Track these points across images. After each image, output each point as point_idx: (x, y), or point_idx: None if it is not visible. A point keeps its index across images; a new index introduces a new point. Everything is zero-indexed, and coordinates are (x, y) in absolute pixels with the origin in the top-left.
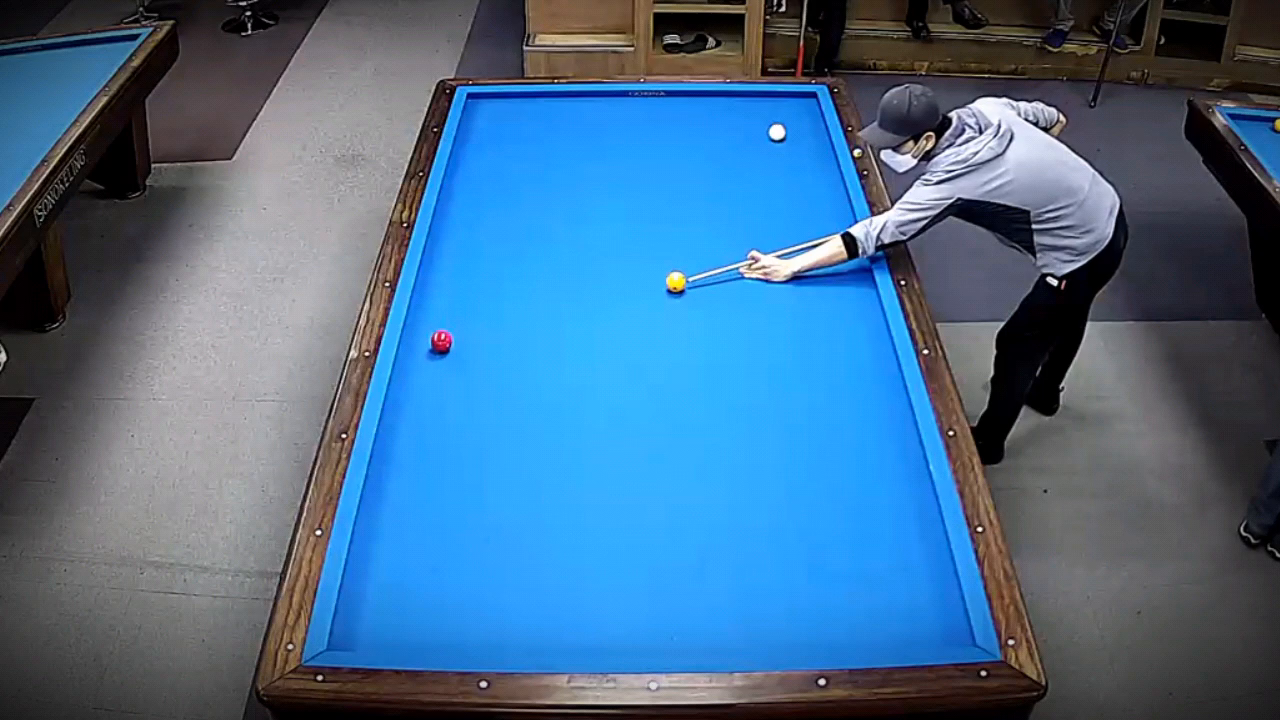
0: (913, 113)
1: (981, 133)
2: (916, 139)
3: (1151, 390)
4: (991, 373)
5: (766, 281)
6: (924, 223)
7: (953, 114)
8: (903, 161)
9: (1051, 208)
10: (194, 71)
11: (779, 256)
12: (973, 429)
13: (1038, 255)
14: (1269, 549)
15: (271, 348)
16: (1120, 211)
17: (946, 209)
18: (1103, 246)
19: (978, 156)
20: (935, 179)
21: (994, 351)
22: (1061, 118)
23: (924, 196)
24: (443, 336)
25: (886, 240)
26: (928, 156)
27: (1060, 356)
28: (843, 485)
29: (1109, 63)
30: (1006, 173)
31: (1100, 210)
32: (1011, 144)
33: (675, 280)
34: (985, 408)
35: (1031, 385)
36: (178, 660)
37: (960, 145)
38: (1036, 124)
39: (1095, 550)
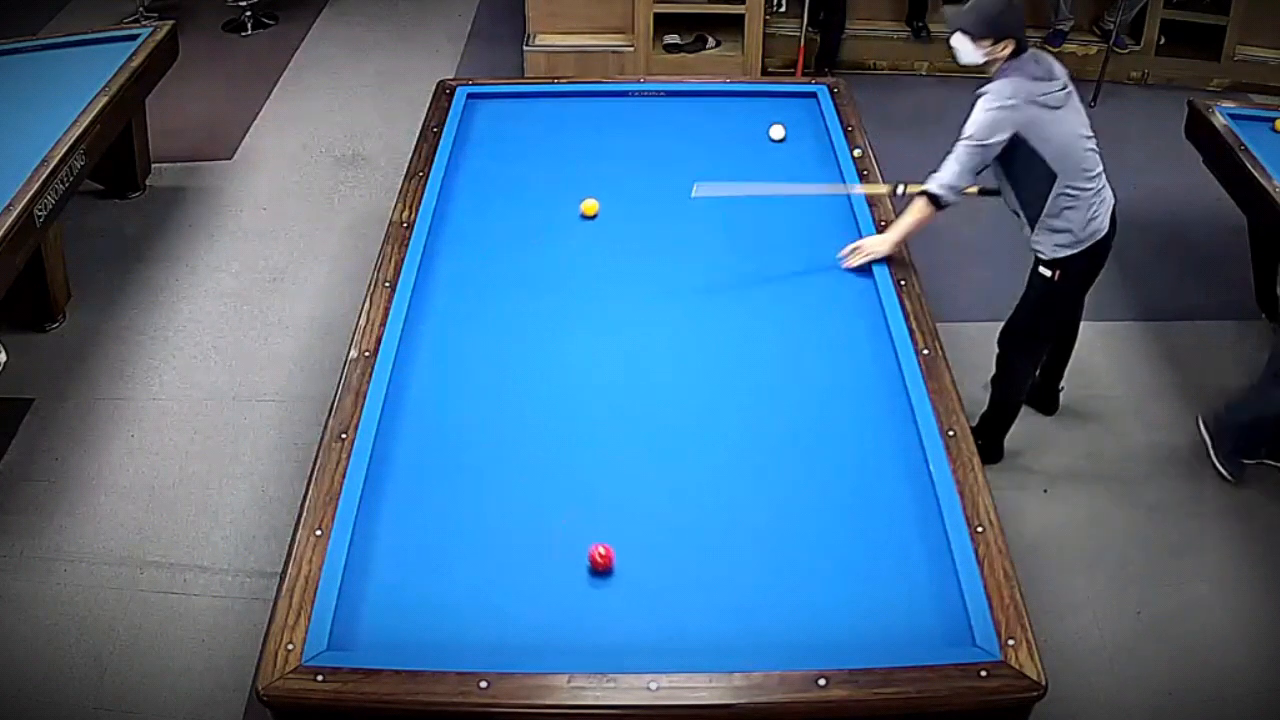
0: (1004, 16)
1: (1050, 80)
2: (996, 41)
3: (1151, 390)
4: (992, 372)
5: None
6: (985, 151)
7: (1027, 47)
8: (969, 52)
9: (1074, 184)
10: (194, 71)
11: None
12: (973, 429)
13: (1035, 230)
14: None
15: (271, 348)
16: (1114, 210)
17: (1004, 139)
18: (1098, 239)
19: (1045, 98)
20: (996, 104)
21: (994, 351)
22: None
23: (985, 122)
24: (602, 554)
25: (962, 183)
26: (983, 72)
27: (1057, 355)
28: (843, 485)
29: (1109, 63)
30: (1058, 127)
31: (1105, 205)
32: (1068, 105)
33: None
34: (985, 408)
35: (1031, 385)
36: (178, 660)
37: (1030, 80)
38: None
39: (1095, 550)
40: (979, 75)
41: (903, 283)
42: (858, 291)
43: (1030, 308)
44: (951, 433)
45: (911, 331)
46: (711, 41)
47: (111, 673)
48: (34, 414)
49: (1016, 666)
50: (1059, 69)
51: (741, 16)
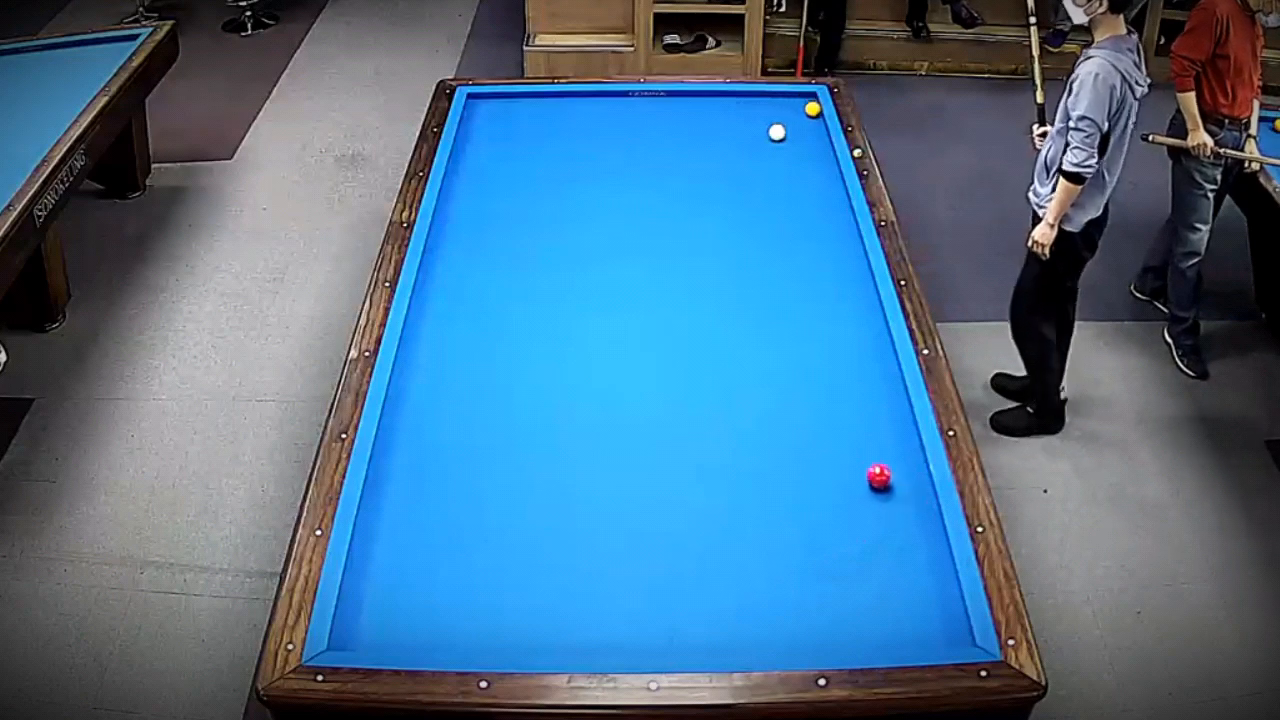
0: None
1: (1140, 71)
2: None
3: (1151, 390)
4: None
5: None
6: (1099, 126)
7: (1133, 31)
8: (1075, 11)
9: (1108, 170)
10: (194, 71)
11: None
12: (1029, 411)
13: (1043, 188)
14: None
15: (271, 348)
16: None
17: (1114, 109)
18: (1090, 221)
19: (1136, 87)
20: (1104, 82)
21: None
22: None
23: (1095, 101)
24: (881, 471)
25: (1087, 157)
26: (1085, 36)
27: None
28: (843, 485)
29: None
30: (1129, 116)
31: (1107, 193)
32: (1137, 103)
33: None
34: (1030, 385)
35: (1053, 349)
36: (178, 660)
37: (1128, 60)
38: None
39: (1095, 550)
40: (979, 74)
41: (903, 283)
42: (858, 292)
43: (1027, 272)
44: (951, 433)
45: (911, 331)
46: (711, 41)
47: (111, 673)
48: (34, 414)
49: (1016, 666)
50: (1144, 68)
51: (741, 16)
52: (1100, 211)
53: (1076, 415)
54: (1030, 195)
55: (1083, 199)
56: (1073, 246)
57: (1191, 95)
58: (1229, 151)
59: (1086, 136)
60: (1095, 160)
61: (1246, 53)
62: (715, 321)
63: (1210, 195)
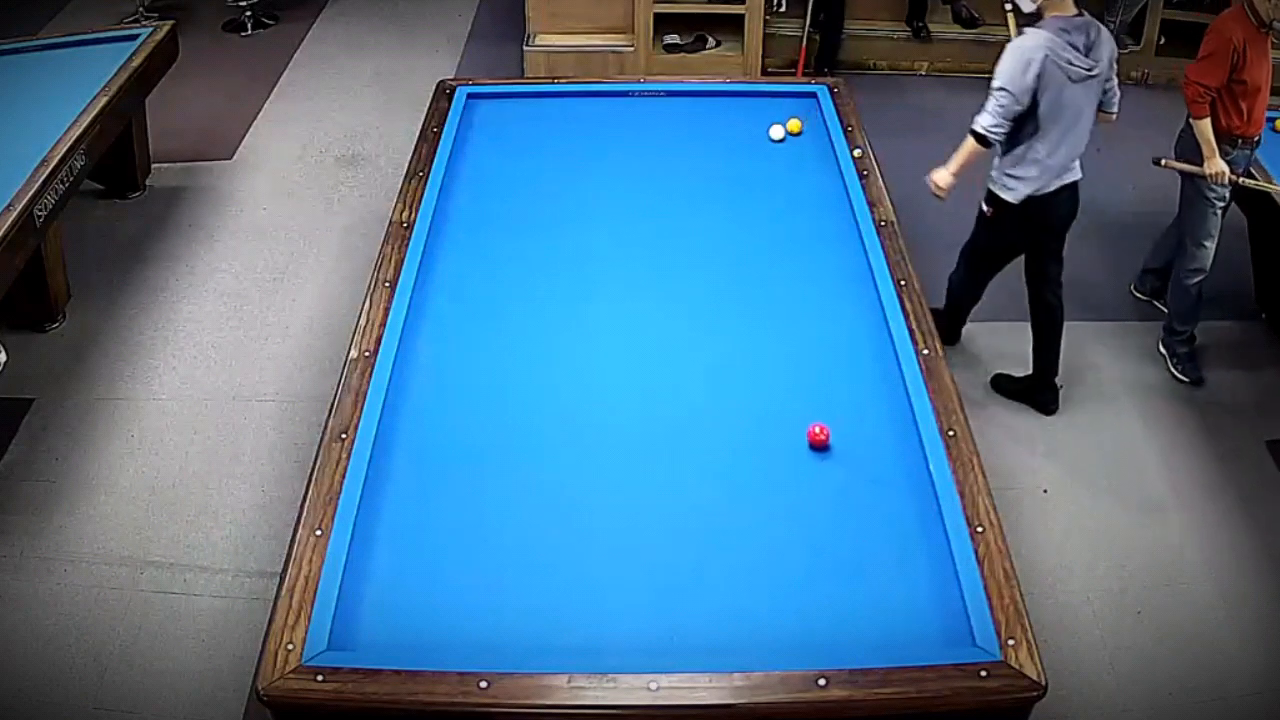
0: None
1: (1081, 54)
2: None
3: (1151, 390)
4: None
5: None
6: (1013, 98)
7: (1082, 13)
8: (1024, 2)
9: (1046, 149)
10: (194, 71)
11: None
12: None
13: (997, 162)
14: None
15: (271, 348)
16: (1074, 194)
17: (1031, 86)
18: (1033, 198)
19: (1068, 66)
20: (1018, 55)
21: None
22: (1114, 115)
23: (1008, 70)
24: (820, 431)
25: (995, 123)
26: (1032, 20)
27: (1042, 346)
28: (843, 485)
29: None
30: (1064, 95)
31: (1061, 182)
32: (1085, 85)
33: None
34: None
35: (972, 300)
36: (178, 660)
37: (1058, 41)
38: (1102, 94)
39: (1095, 550)
40: (979, 74)
41: (903, 283)
42: (858, 292)
43: (974, 232)
44: (951, 433)
45: (911, 331)
46: (711, 41)
47: (111, 673)
48: (34, 414)
49: (1016, 666)
50: (1105, 54)
51: (741, 16)
52: (1048, 191)
53: (1077, 415)
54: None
55: (1019, 171)
56: (1010, 216)
57: (1207, 122)
58: (1247, 181)
59: (998, 105)
60: (1003, 128)
61: (1263, 73)
62: (715, 321)
63: (1220, 212)
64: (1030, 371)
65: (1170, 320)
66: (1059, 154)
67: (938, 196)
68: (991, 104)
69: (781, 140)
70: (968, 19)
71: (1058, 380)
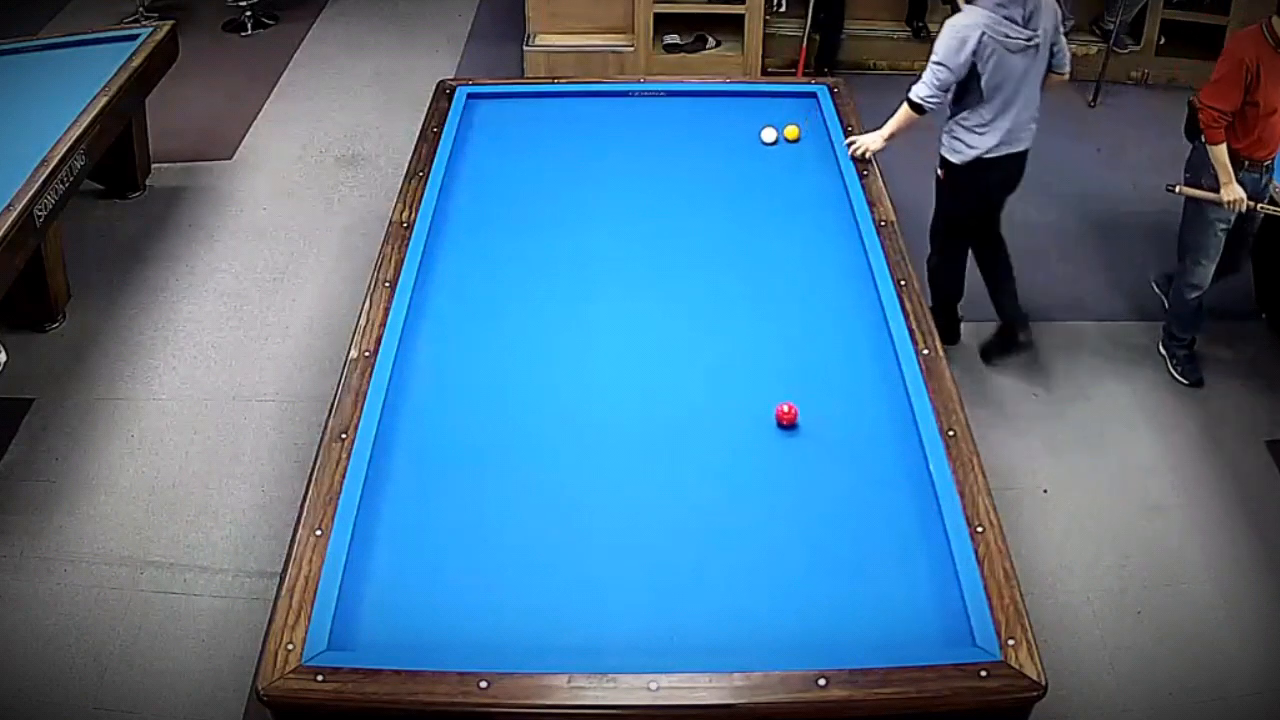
0: None
1: (1023, 25)
2: None
3: (1151, 390)
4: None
5: (859, 158)
6: (948, 72)
7: None
8: None
9: (989, 114)
10: (194, 71)
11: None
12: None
13: (950, 124)
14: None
15: (271, 348)
16: (1021, 163)
17: (967, 60)
18: (980, 159)
19: (1005, 39)
20: (953, 31)
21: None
22: (1066, 73)
23: (943, 46)
24: (788, 409)
25: (930, 94)
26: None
27: (994, 280)
28: (842, 485)
29: (1109, 63)
30: (1005, 65)
31: (1006, 147)
32: (1026, 56)
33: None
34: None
35: (956, 281)
36: (178, 660)
37: (994, 15)
38: (1051, 56)
39: (1095, 550)
40: None
41: (903, 283)
42: (858, 291)
43: (935, 209)
44: (951, 433)
45: (911, 331)
46: (711, 41)
47: (111, 673)
48: (34, 414)
49: (1016, 666)
50: (1045, 21)
51: (741, 16)
52: (994, 155)
53: (1077, 415)
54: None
55: (966, 136)
56: (959, 177)
57: (1223, 148)
58: (1266, 207)
59: (935, 78)
60: (937, 99)
61: (1279, 93)
62: (715, 321)
63: (1222, 234)
64: (999, 324)
65: (1170, 324)
66: (1006, 119)
67: (860, 159)
68: (928, 75)
69: (774, 143)
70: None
71: (1023, 313)
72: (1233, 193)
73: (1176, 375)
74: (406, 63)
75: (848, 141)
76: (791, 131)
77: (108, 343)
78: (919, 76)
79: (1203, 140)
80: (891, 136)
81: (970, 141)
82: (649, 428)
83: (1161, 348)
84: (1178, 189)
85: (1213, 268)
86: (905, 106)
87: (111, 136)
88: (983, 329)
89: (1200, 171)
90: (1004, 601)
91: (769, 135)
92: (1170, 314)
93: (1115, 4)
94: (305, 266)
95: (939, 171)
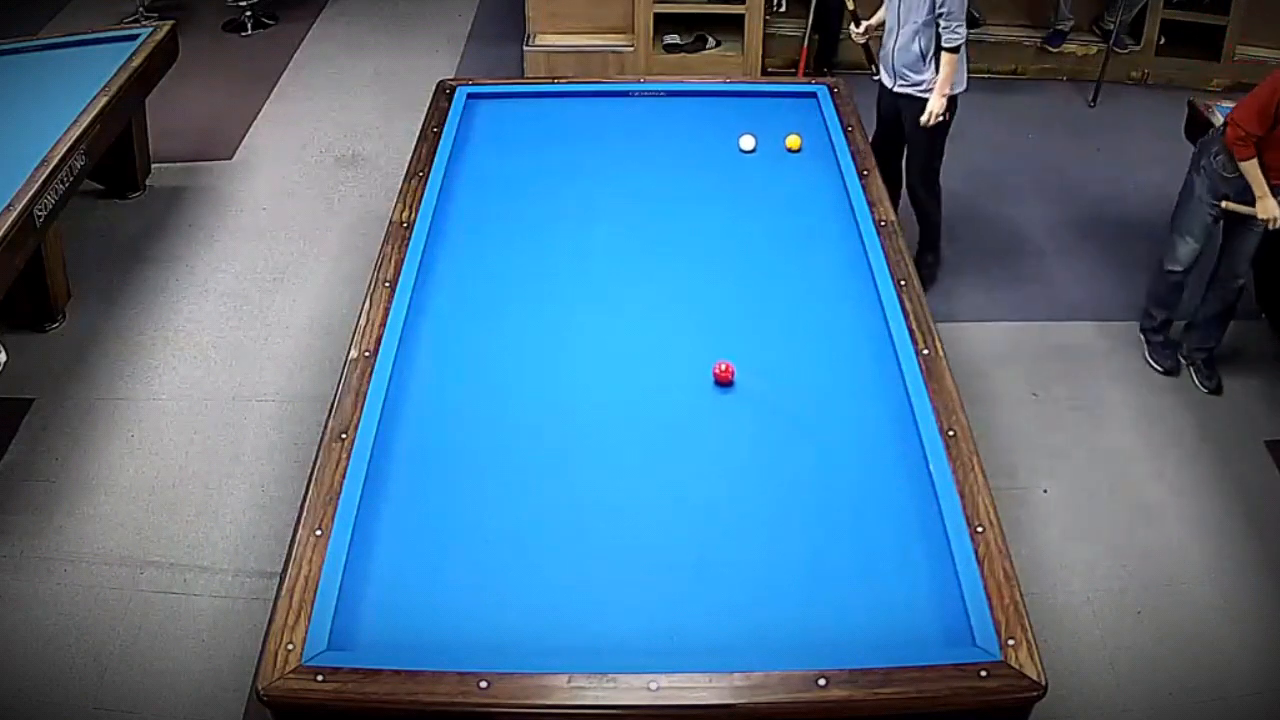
0: None
1: None
2: None
3: (1151, 390)
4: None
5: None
6: (962, 4)
7: None
8: None
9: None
10: (194, 71)
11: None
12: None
13: (938, 65)
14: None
15: (271, 348)
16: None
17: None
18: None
19: None
20: None
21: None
22: None
23: None
24: (724, 368)
25: (965, 31)
26: None
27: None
28: (843, 485)
29: (1109, 63)
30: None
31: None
32: None
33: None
34: (926, 236)
35: (939, 205)
36: (178, 660)
37: None
38: None
39: (1095, 550)
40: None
41: (903, 283)
42: (858, 292)
43: (924, 152)
44: (951, 433)
45: (911, 331)
46: (711, 41)
47: (111, 673)
48: (34, 414)
49: (1016, 666)
50: None
51: (741, 16)
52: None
53: (1076, 415)
54: (908, 88)
55: (962, 66)
56: (954, 107)
57: (1254, 163)
58: None
59: (958, 19)
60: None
61: None
62: (715, 320)
63: (1209, 217)
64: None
65: (1146, 302)
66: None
67: (937, 120)
68: (955, 23)
69: (752, 151)
70: (969, 19)
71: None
72: (1269, 210)
73: (1151, 363)
74: (406, 63)
75: (923, 119)
76: (793, 141)
77: (108, 343)
78: (948, 26)
79: (1215, 151)
80: (947, 87)
81: (964, 68)
82: (649, 428)
83: (1139, 331)
84: (1225, 204)
85: (1194, 249)
86: (949, 55)
87: (111, 136)
88: (983, 329)
89: (1215, 181)
90: (1004, 601)
91: (747, 143)
92: (1148, 288)
93: (1115, 4)
94: (305, 266)
95: (941, 115)
